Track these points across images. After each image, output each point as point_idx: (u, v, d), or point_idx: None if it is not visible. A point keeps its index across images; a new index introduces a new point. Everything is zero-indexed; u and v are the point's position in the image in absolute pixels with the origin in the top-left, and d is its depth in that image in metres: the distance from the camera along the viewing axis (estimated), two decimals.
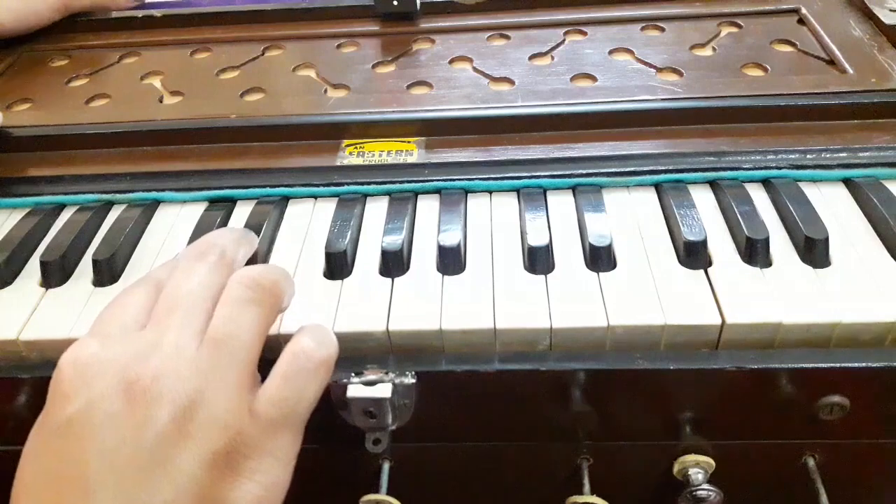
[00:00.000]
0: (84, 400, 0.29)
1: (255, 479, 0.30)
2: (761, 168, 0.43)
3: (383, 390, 0.35)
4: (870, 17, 0.55)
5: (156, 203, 0.46)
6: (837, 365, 0.35)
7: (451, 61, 0.56)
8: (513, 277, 0.38)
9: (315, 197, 0.46)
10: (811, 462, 0.40)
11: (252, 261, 0.40)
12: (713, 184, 0.44)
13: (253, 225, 0.42)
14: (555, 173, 0.44)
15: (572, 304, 0.36)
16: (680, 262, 0.39)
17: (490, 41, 0.59)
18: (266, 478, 0.30)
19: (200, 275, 0.33)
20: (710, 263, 0.38)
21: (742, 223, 0.39)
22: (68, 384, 0.29)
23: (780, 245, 0.39)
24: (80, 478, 0.28)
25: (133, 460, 0.28)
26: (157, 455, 0.28)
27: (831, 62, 0.51)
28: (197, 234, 0.43)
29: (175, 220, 0.45)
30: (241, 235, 0.38)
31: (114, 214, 0.46)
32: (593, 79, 0.52)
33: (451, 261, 0.39)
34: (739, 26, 0.57)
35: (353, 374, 0.35)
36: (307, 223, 0.44)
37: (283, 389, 0.31)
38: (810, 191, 0.42)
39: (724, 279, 0.37)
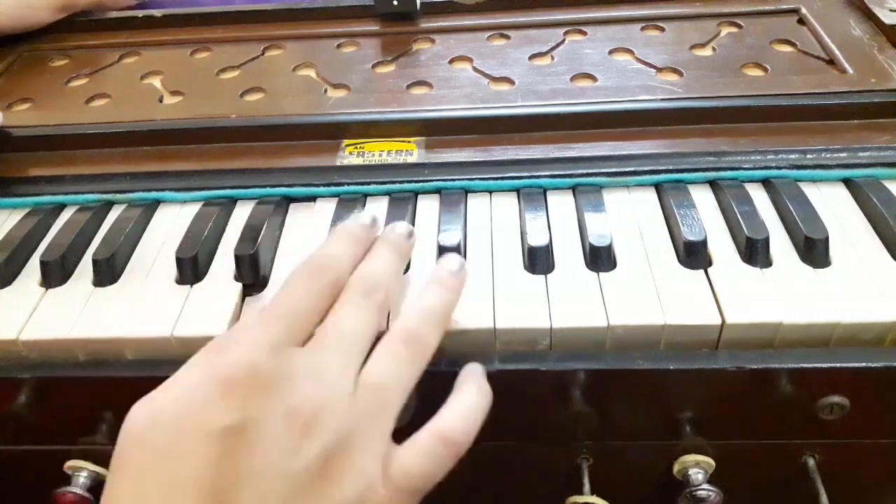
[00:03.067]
0: (249, 415, 0.28)
1: None
2: (761, 168, 0.43)
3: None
4: (870, 17, 0.55)
5: (156, 203, 0.46)
6: (837, 365, 0.35)
7: (451, 61, 0.56)
8: (513, 277, 0.38)
9: (315, 197, 0.46)
10: (811, 462, 0.40)
11: (255, 263, 0.40)
12: (713, 184, 0.44)
13: (253, 225, 0.42)
14: (555, 173, 0.44)
15: (572, 304, 0.36)
16: (680, 262, 0.39)
17: (490, 41, 0.59)
18: None
19: (366, 314, 0.33)
20: (710, 263, 0.38)
21: (742, 223, 0.39)
22: (236, 394, 0.28)
23: (780, 245, 0.39)
24: (221, 491, 0.27)
25: (276, 486, 0.28)
26: (299, 487, 0.28)
27: (831, 62, 0.51)
28: (195, 226, 0.43)
29: (175, 220, 0.45)
30: (402, 262, 0.37)
31: (114, 214, 0.46)
32: (593, 79, 0.52)
33: None
34: (739, 26, 0.57)
35: None
36: (307, 223, 0.44)
37: (420, 466, 0.30)
38: (810, 191, 0.42)
39: (724, 279, 0.37)
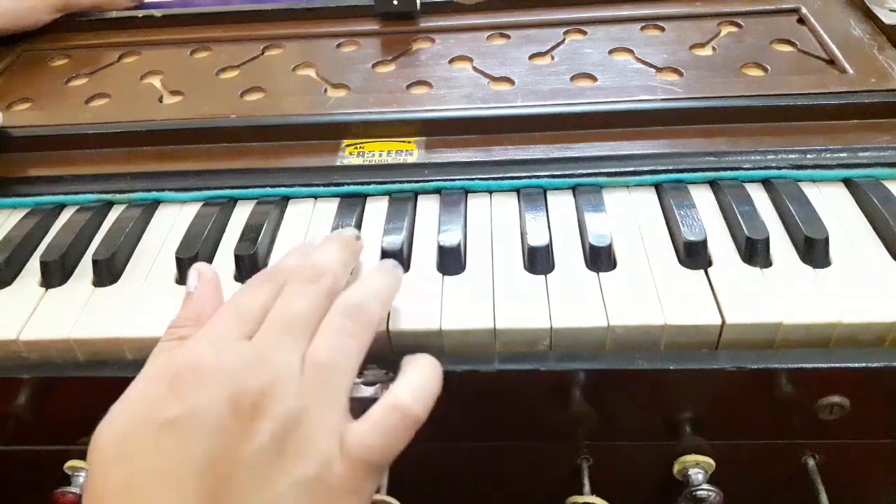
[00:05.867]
0: (194, 403, 0.29)
1: None
2: (761, 168, 0.43)
3: (384, 390, 0.35)
4: (870, 17, 0.55)
5: (156, 203, 0.46)
6: (837, 365, 0.35)
7: (451, 61, 0.56)
8: (513, 277, 0.38)
9: (315, 197, 0.46)
10: (811, 462, 0.40)
11: (255, 263, 0.40)
12: (713, 184, 0.44)
13: (253, 225, 0.42)
14: (555, 173, 0.44)
15: (572, 304, 0.36)
16: (680, 262, 0.39)
17: (490, 41, 0.59)
18: None
19: (310, 298, 0.33)
20: (710, 263, 0.38)
21: (742, 223, 0.39)
22: (182, 385, 0.30)
23: (780, 245, 0.39)
24: (174, 478, 0.28)
25: (228, 471, 0.28)
26: (252, 469, 0.28)
27: (831, 62, 0.51)
28: (195, 226, 0.43)
29: (175, 220, 0.45)
30: (351, 257, 0.37)
31: (114, 214, 0.46)
32: (593, 78, 0.52)
33: (451, 261, 0.39)
34: (739, 26, 0.57)
35: None
36: (307, 223, 0.44)
37: (374, 438, 0.31)
38: (810, 191, 0.42)
39: (724, 279, 0.37)
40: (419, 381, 0.33)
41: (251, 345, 0.32)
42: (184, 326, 0.33)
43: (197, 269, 0.36)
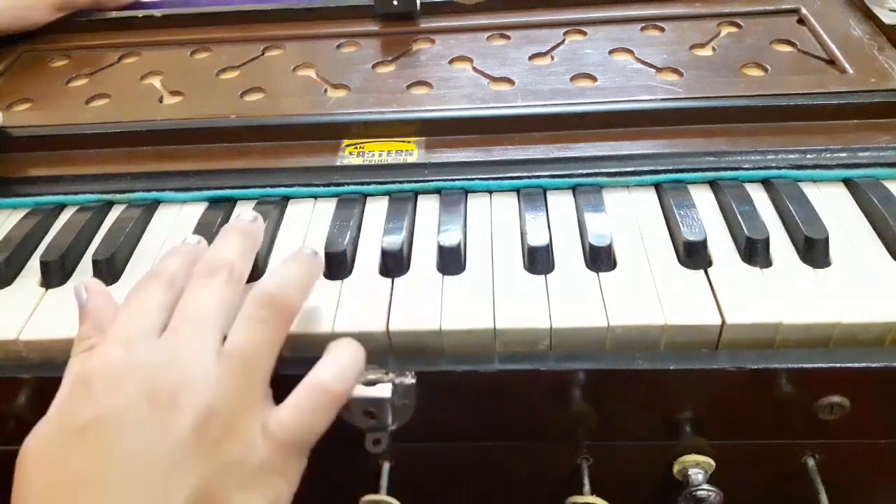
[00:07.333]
0: (111, 403, 0.30)
1: (262, 493, 0.31)
2: (761, 168, 0.43)
3: (383, 390, 0.35)
4: (870, 17, 0.55)
5: (156, 203, 0.46)
6: (837, 365, 0.35)
7: (451, 61, 0.56)
8: (513, 277, 0.38)
9: (315, 197, 0.46)
10: (811, 462, 0.40)
11: (255, 263, 0.40)
12: (713, 184, 0.44)
13: None
14: (555, 173, 0.44)
15: (572, 305, 0.36)
16: (680, 262, 0.39)
17: (490, 41, 0.59)
18: (272, 493, 0.31)
19: (212, 292, 0.34)
20: (710, 263, 0.38)
21: (742, 223, 0.39)
22: (97, 387, 0.30)
23: (780, 245, 0.39)
24: (100, 478, 0.28)
25: (153, 464, 0.29)
26: (177, 461, 0.29)
27: (831, 62, 0.51)
28: (198, 233, 0.42)
29: (175, 220, 0.45)
30: (249, 245, 0.37)
31: (114, 214, 0.46)
32: (593, 79, 0.52)
33: (451, 261, 0.39)
34: (739, 26, 0.57)
35: None
36: (307, 223, 0.44)
37: (296, 419, 0.32)
38: (810, 191, 0.42)
39: (724, 279, 0.37)
40: (340, 360, 0.34)
41: (162, 342, 0.32)
42: (90, 337, 0.34)
43: (82, 283, 0.36)
